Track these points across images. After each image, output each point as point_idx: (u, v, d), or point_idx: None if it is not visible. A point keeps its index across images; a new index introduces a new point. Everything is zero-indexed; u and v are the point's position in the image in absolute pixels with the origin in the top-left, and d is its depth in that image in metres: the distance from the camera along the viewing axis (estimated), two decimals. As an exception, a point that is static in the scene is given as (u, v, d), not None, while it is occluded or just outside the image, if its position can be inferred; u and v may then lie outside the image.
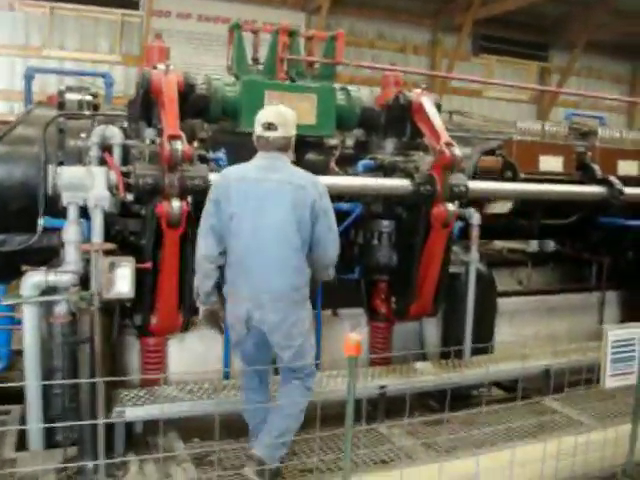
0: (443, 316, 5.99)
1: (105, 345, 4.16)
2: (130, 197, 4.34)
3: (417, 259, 5.32)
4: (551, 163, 6.29)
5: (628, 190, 6.40)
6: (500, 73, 15.46)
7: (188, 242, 4.49)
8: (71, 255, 4.23)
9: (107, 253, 4.07)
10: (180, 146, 4.22)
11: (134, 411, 4.36)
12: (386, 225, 5.61)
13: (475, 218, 5.62)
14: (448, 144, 5.12)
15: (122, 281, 3.98)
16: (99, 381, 3.85)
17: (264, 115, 4.02)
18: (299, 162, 5.28)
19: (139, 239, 4.62)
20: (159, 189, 4.30)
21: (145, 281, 4.49)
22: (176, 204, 4.27)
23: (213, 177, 4.35)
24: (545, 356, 6.09)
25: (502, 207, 5.64)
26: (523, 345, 6.99)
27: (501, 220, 6.48)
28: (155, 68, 4.64)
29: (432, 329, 6.33)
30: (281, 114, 4.02)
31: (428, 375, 5.40)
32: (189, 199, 4.35)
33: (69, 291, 4.10)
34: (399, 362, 6.18)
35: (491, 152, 6.73)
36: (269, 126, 3.96)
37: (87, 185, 4.22)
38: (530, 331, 7.30)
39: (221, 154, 4.94)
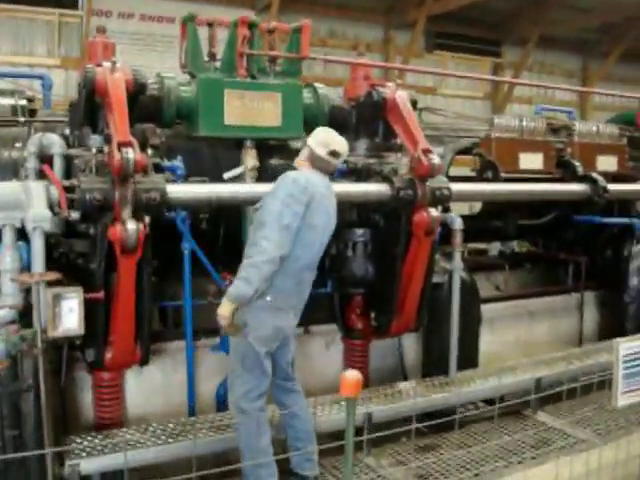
0: (424, 329, 5.56)
1: (53, 388, 3.58)
2: (75, 215, 3.75)
3: (398, 271, 4.86)
4: (531, 161, 5.91)
5: (611, 187, 6.06)
6: (454, 69, 15.18)
7: (144, 264, 3.93)
8: (7, 286, 3.62)
9: (51, 282, 3.47)
10: (132, 155, 3.66)
11: (90, 463, 3.77)
12: (361, 234, 5.14)
13: (457, 223, 5.19)
14: (425, 151, 4.67)
15: (70, 316, 3.41)
16: (47, 434, 3.25)
17: (335, 141, 3.97)
18: (261, 168, 4.79)
19: (88, 262, 4.03)
20: (109, 205, 3.73)
21: (97, 310, 3.90)
22: (131, 226, 3.70)
23: (294, 176, 3.83)
24: (533, 367, 5.71)
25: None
26: (504, 353, 6.73)
27: (473, 222, 6.11)
28: (99, 66, 4.06)
29: (411, 344, 5.90)
30: (346, 146, 4.04)
31: (415, 397, 4.93)
32: (146, 219, 3.77)
33: (7, 330, 3.48)
34: (378, 382, 5.78)
35: (465, 151, 6.34)
36: (336, 155, 3.95)
37: (23, 203, 3.61)
38: (511, 337, 6.98)
39: (178, 162, 4.38)
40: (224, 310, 3.64)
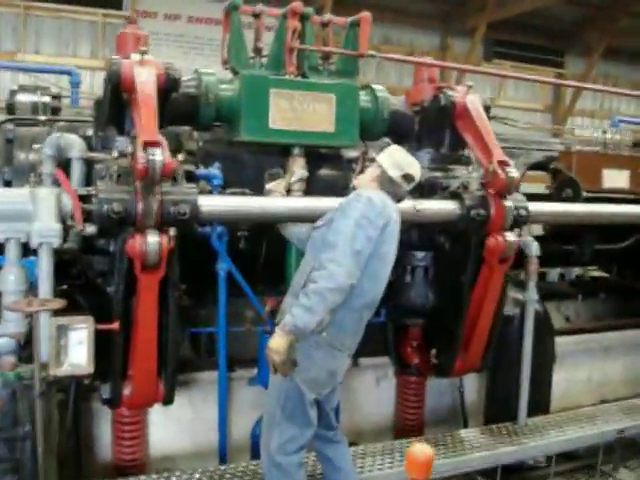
0: (488, 367, 4.86)
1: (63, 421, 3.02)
2: (91, 229, 3.19)
3: (465, 302, 4.18)
4: (615, 178, 5.17)
5: None
6: (514, 80, 14.40)
7: (170, 285, 3.35)
8: (9, 312, 3.06)
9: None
10: (159, 157, 3.08)
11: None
12: (421, 258, 4.49)
13: (534, 248, 4.49)
14: (502, 163, 4.00)
15: (77, 350, 2.85)
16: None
17: (411, 164, 3.54)
18: (311, 180, 4.19)
19: (106, 283, 3.47)
20: (130, 218, 3.16)
21: (113, 339, 3.34)
22: (153, 239, 3.12)
23: (369, 196, 3.32)
24: (614, 414, 4.97)
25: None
26: (574, 394, 5.99)
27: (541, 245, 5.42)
28: (127, 58, 3.51)
29: (472, 383, 5.22)
30: (420, 171, 3.61)
31: (481, 450, 4.24)
32: (172, 231, 3.19)
33: (3, 363, 2.92)
34: (433, 424, 5.12)
35: (538, 166, 5.63)
36: (409, 180, 3.51)
37: (29, 213, 3.06)
38: (582, 375, 6.23)
39: (215, 170, 3.80)
40: (278, 344, 3.10)
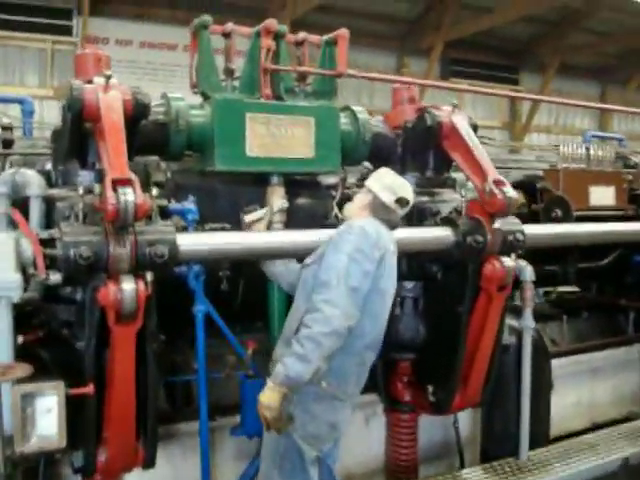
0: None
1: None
2: (56, 278, 2.80)
3: (463, 334, 3.90)
4: (602, 195, 4.99)
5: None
6: (471, 97, 14.39)
7: (148, 336, 2.99)
8: (-38, 376, 2.65)
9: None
10: (131, 197, 2.73)
11: None
12: (410, 288, 4.20)
13: (528, 273, 4.24)
14: (499, 183, 3.76)
15: (46, 420, 2.46)
16: None
17: (404, 187, 3.32)
18: (290, 209, 3.88)
19: (75, 337, 3.09)
20: (101, 263, 2.79)
21: (86, 400, 2.94)
22: (128, 286, 2.76)
23: (361, 226, 3.11)
24: (616, 442, 4.75)
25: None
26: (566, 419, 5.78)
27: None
28: (89, 82, 3.16)
29: (466, 416, 4.93)
30: (412, 193, 3.39)
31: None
32: (148, 276, 2.83)
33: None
34: (427, 462, 4.82)
35: (520, 185, 5.42)
36: (403, 203, 3.28)
37: (-17, 263, 2.68)
38: (572, 398, 6.01)
39: (190, 204, 3.46)
40: (270, 398, 2.80)
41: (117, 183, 2.75)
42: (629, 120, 17.79)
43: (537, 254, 5.35)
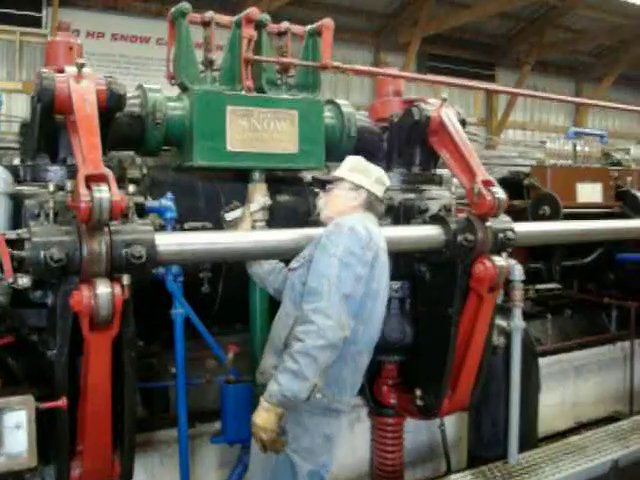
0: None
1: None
2: (25, 281, 2.60)
3: (453, 336, 3.76)
4: (589, 192, 4.90)
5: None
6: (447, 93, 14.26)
7: (125, 343, 2.80)
8: None
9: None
10: (106, 194, 2.54)
11: None
12: (396, 288, 4.04)
13: (517, 272, 4.13)
14: (487, 183, 3.63)
15: (15, 437, 2.26)
16: None
17: (386, 177, 3.20)
18: (272, 207, 3.72)
19: (45, 345, 2.88)
20: (74, 266, 2.59)
21: (58, 413, 2.74)
22: (103, 290, 2.56)
23: (350, 225, 2.88)
24: (604, 443, 4.66)
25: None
26: (550, 418, 5.69)
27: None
28: (61, 72, 2.96)
29: (453, 418, 4.81)
30: None
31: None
32: (125, 279, 2.64)
33: None
34: (413, 466, 4.70)
35: (505, 182, 5.31)
36: (386, 191, 3.18)
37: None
38: (557, 398, 5.93)
39: (168, 201, 3.27)
40: (265, 420, 2.62)
41: (91, 179, 2.56)
42: (602, 117, 17.88)
43: (521, 251, 5.27)
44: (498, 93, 14.55)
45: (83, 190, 2.52)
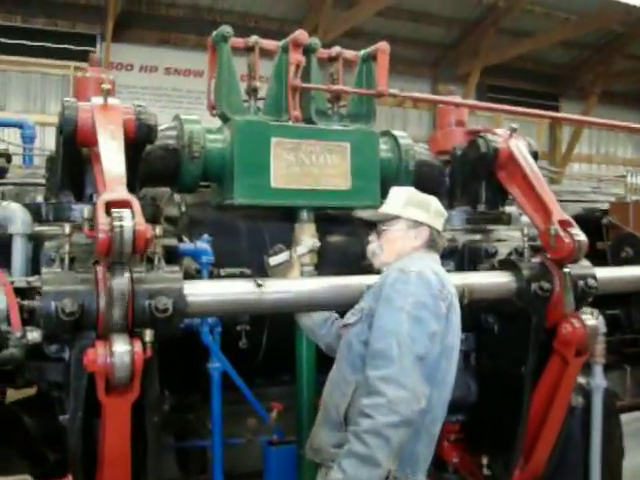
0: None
1: None
2: (35, 336, 2.28)
3: (527, 398, 3.29)
4: (674, 232, 4.36)
5: None
6: (507, 126, 13.77)
7: (148, 408, 2.44)
8: None
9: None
10: (128, 221, 2.20)
11: None
12: (460, 340, 3.59)
13: (600, 325, 3.63)
14: (565, 224, 3.19)
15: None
16: None
17: (441, 205, 2.78)
18: (322, 250, 3.35)
19: (62, 403, 2.56)
20: (89, 320, 2.26)
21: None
22: (122, 348, 2.22)
23: (419, 272, 2.47)
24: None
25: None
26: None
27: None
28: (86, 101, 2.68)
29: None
30: None
31: None
32: (147, 334, 2.29)
33: None
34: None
35: (579, 220, 4.82)
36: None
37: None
38: (635, 461, 5.30)
39: (204, 244, 2.93)
40: None
41: (112, 205, 2.23)
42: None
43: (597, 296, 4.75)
44: (565, 122, 13.94)
45: (102, 217, 2.19)
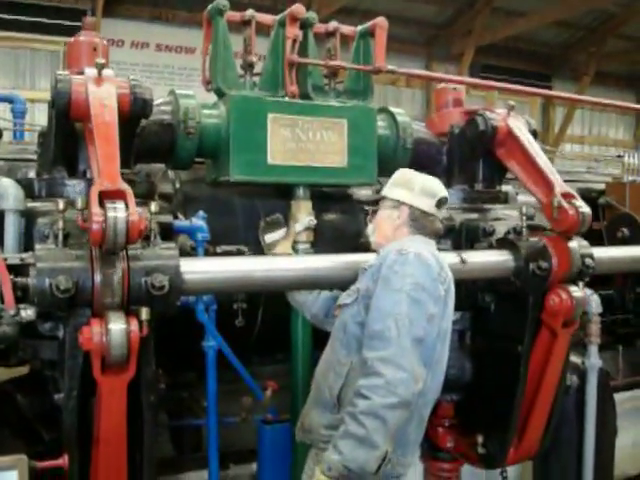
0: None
1: None
2: (29, 313, 2.24)
3: (523, 377, 3.28)
4: (670, 212, 4.36)
5: None
6: (501, 106, 13.72)
7: (144, 389, 2.41)
8: None
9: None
10: (122, 212, 2.16)
11: None
12: (455, 320, 3.55)
13: (595, 303, 3.64)
14: (568, 196, 3.17)
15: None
16: None
17: (439, 187, 2.70)
18: (318, 227, 3.32)
19: (56, 382, 2.53)
20: (83, 297, 2.22)
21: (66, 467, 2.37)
22: (118, 326, 2.18)
23: (416, 254, 2.45)
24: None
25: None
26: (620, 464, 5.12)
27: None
28: (80, 74, 2.62)
29: (516, 466, 4.29)
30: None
31: None
32: (143, 313, 2.25)
33: None
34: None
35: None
36: (444, 203, 2.68)
37: None
38: (627, 440, 5.33)
39: (200, 220, 2.90)
40: None
41: (105, 196, 2.19)
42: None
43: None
44: (559, 99, 13.88)
45: (96, 208, 2.15)
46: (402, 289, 2.30)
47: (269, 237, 3.14)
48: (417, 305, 2.28)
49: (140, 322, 2.23)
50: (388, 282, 2.34)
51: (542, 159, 3.35)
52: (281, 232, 3.19)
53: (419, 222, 2.60)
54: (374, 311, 2.32)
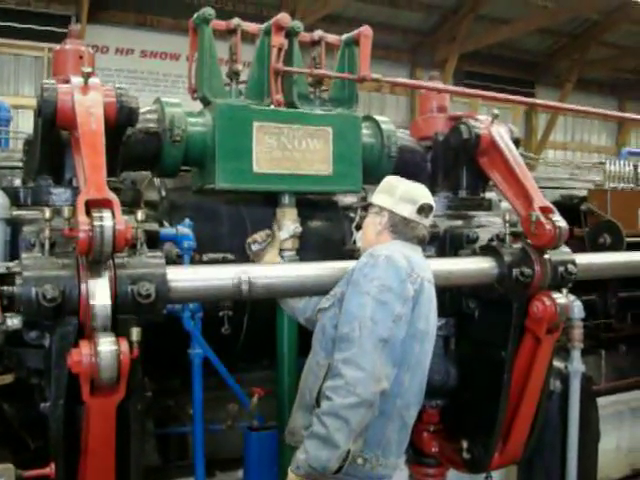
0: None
1: None
2: (15, 323, 2.24)
3: (507, 382, 3.31)
4: (652, 219, 4.42)
5: None
6: (485, 113, 13.82)
7: (132, 404, 2.40)
8: None
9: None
10: (109, 222, 2.17)
11: None
12: (440, 325, 3.59)
13: (577, 309, 3.68)
14: (546, 210, 3.21)
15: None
16: None
17: (421, 193, 2.73)
18: (303, 234, 3.34)
19: (42, 391, 2.52)
20: (70, 306, 2.22)
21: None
22: (107, 348, 2.17)
23: (387, 255, 2.50)
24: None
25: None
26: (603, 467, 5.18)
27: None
28: (66, 82, 2.62)
29: (500, 470, 4.33)
30: (431, 197, 2.77)
31: None
32: (134, 333, 2.25)
33: None
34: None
35: (557, 207, 4.86)
36: (427, 212, 2.68)
37: None
38: (611, 444, 5.40)
39: (186, 228, 2.91)
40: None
41: (92, 204, 2.19)
42: (647, 136, 17.29)
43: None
44: (543, 108, 13.99)
45: (82, 217, 2.15)
46: (369, 292, 2.36)
47: (255, 245, 3.15)
48: (382, 306, 2.34)
49: (130, 343, 2.22)
50: (357, 285, 2.40)
51: (523, 171, 3.38)
52: (266, 239, 3.21)
53: (399, 228, 2.64)
54: (343, 314, 2.39)
